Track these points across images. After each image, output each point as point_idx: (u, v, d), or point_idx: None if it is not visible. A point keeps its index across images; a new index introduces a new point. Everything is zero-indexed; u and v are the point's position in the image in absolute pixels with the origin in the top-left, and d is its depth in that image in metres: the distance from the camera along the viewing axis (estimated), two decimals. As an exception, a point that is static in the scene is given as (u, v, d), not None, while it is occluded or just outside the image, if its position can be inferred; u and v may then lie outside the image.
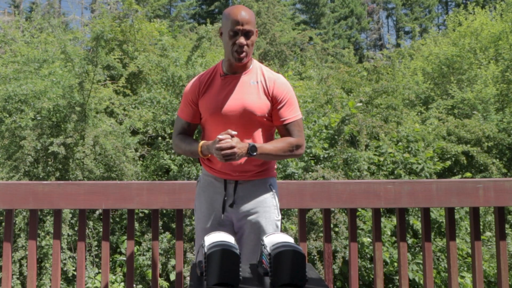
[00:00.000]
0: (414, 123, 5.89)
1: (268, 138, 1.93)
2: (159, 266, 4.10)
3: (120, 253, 4.53)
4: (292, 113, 1.90)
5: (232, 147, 1.70)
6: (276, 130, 1.98)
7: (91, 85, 4.87)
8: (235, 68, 1.89)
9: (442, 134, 5.75)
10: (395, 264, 4.13)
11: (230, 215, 1.90)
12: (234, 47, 1.81)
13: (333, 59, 12.68)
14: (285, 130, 1.90)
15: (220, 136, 1.73)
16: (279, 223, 1.94)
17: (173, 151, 5.09)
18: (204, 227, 1.91)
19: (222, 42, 1.90)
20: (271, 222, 1.90)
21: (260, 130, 1.89)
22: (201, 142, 1.86)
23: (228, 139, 1.72)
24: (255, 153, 1.76)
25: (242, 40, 1.79)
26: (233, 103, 1.85)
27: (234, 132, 1.75)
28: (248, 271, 1.45)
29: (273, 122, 1.92)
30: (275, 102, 1.88)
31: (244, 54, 1.81)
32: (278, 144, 1.86)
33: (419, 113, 6.93)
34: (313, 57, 10.70)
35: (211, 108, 1.86)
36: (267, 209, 1.90)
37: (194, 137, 2.05)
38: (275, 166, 2.04)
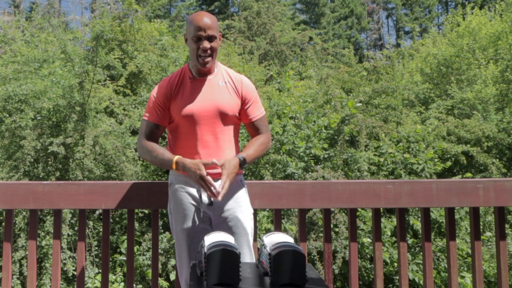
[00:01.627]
0: (414, 123, 5.90)
1: (236, 135, 2.05)
2: (159, 266, 4.10)
3: (120, 253, 4.53)
4: (258, 110, 2.05)
5: (225, 183, 1.78)
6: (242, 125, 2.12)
7: (91, 85, 4.87)
8: (202, 71, 1.98)
9: (442, 134, 5.75)
10: (395, 264, 4.14)
11: (208, 212, 1.95)
12: (198, 51, 1.90)
13: (333, 59, 12.68)
14: (254, 127, 2.04)
15: (202, 168, 1.80)
16: (252, 216, 2.03)
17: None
18: (183, 227, 1.93)
19: (188, 48, 1.98)
20: (247, 215, 1.98)
21: (231, 128, 2.00)
22: (176, 158, 1.88)
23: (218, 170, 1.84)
24: (246, 165, 1.90)
25: (206, 44, 1.88)
26: (206, 104, 1.93)
27: (216, 162, 1.82)
28: (248, 271, 1.45)
29: (242, 120, 2.04)
30: (244, 101, 2.00)
31: (209, 58, 1.91)
32: (256, 147, 1.98)
33: (418, 113, 6.93)
34: (313, 57, 10.70)
35: (184, 111, 1.92)
36: (241, 203, 1.98)
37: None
38: None
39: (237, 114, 1.99)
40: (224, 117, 1.94)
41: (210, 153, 1.93)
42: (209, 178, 1.79)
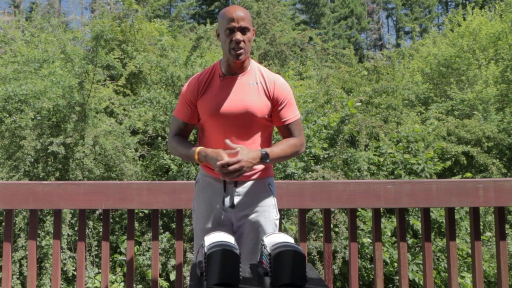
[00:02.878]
0: (414, 123, 5.89)
1: (266, 138, 1.95)
2: (159, 266, 4.10)
3: (120, 253, 4.53)
4: (292, 113, 1.92)
5: (239, 161, 1.68)
6: (276, 130, 1.99)
7: (91, 85, 4.87)
8: (234, 69, 1.88)
9: (442, 134, 5.75)
10: (395, 264, 4.13)
11: (230, 215, 1.90)
12: (231, 44, 1.80)
13: (333, 59, 12.68)
14: (287, 130, 1.92)
15: (224, 155, 1.71)
16: (277, 222, 1.95)
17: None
18: (203, 227, 1.91)
19: (220, 43, 1.90)
20: (270, 221, 1.91)
21: (260, 131, 1.90)
22: (199, 149, 1.84)
23: (233, 156, 1.71)
24: (268, 160, 1.78)
25: (238, 36, 1.78)
26: (234, 104, 1.84)
27: (235, 146, 1.74)
28: (248, 271, 1.45)
29: (274, 123, 1.93)
30: (276, 103, 1.89)
31: (241, 50, 1.80)
32: (284, 146, 1.87)
33: (419, 113, 6.93)
34: (313, 57, 10.70)
35: (211, 109, 1.85)
36: (266, 208, 1.90)
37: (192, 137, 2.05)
38: (272, 166, 2.05)
39: (267, 116, 1.88)
40: (252, 119, 1.85)
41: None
42: (229, 160, 1.69)
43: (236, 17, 1.79)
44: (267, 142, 1.95)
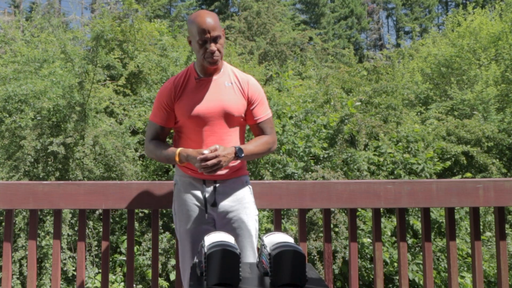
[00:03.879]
0: (414, 123, 5.89)
1: (242, 136, 2.02)
2: (159, 266, 4.10)
3: (120, 253, 4.53)
4: (264, 111, 2.01)
5: (216, 156, 1.75)
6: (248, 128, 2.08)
7: (91, 85, 4.87)
8: (209, 71, 1.95)
9: (442, 134, 5.75)
10: (395, 264, 4.14)
11: (212, 213, 1.94)
12: (206, 54, 1.86)
13: (333, 59, 12.68)
14: (259, 128, 2.00)
15: (204, 151, 1.78)
16: (257, 218, 2.01)
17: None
18: (187, 228, 1.93)
19: (193, 49, 1.95)
20: (251, 217, 1.97)
21: (237, 130, 1.97)
22: (179, 150, 1.88)
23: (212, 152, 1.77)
24: (242, 155, 1.84)
25: (213, 47, 1.85)
26: (211, 105, 1.90)
27: (216, 146, 1.79)
28: (248, 271, 1.45)
29: (247, 121, 2.00)
30: (250, 102, 1.97)
31: (216, 58, 1.87)
32: (257, 143, 1.95)
33: (418, 113, 6.93)
34: (313, 57, 10.70)
35: (189, 110, 1.90)
36: (246, 205, 1.96)
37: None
38: (247, 165, 2.14)
39: (243, 115, 1.96)
40: (229, 118, 1.92)
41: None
42: (207, 154, 1.77)
43: (207, 27, 1.83)
44: (242, 140, 2.02)
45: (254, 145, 1.93)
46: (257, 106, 1.98)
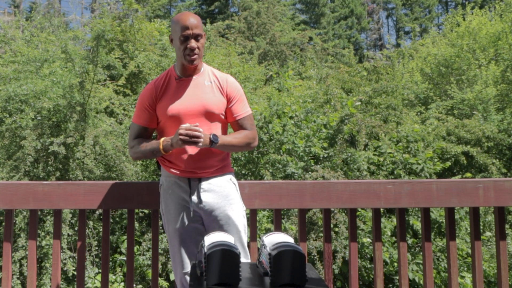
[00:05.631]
0: (414, 123, 5.89)
1: (224, 134, 2.03)
2: (159, 266, 4.10)
3: (120, 253, 4.53)
4: (244, 108, 2.04)
5: (199, 131, 1.80)
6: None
7: (91, 85, 4.87)
8: (189, 71, 1.99)
9: (441, 134, 5.75)
10: (395, 264, 4.14)
11: (199, 211, 1.95)
12: (186, 51, 1.91)
13: (333, 59, 12.68)
14: (239, 125, 2.03)
15: (183, 125, 1.83)
16: (244, 213, 2.03)
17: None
18: (175, 227, 1.94)
19: (174, 48, 1.99)
20: (238, 213, 1.98)
21: (219, 127, 2.00)
22: (162, 139, 1.92)
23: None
24: (217, 141, 1.87)
25: (193, 43, 1.90)
26: (192, 103, 1.94)
27: (197, 125, 1.85)
28: (248, 271, 1.45)
29: (227, 119, 2.04)
30: (228, 99, 2.00)
31: (195, 56, 1.92)
32: (236, 135, 1.99)
33: (418, 113, 6.93)
34: (313, 57, 10.70)
35: (170, 110, 1.94)
36: (232, 201, 1.98)
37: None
38: (231, 163, 2.16)
39: (223, 113, 2.00)
40: (210, 116, 1.96)
41: (198, 152, 1.94)
42: (188, 124, 1.83)
43: (190, 25, 1.89)
44: None
45: (232, 136, 1.97)
46: (236, 104, 2.01)
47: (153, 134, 2.12)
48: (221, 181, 1.99)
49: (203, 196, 1.94)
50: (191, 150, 1.93)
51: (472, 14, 10.70)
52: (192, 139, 1.79)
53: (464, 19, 10.59)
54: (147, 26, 6.66)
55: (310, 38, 16.24)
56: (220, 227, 1.93)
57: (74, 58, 5.05)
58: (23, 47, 6.25)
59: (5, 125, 4.75)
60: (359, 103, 5.74)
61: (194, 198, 1.94)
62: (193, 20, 1.90)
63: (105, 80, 5.47)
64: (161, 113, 1.97)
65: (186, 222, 1.93)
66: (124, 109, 5.47)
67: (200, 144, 1.81)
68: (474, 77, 7.85)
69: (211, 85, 1.99)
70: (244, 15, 15.58)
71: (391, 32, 36.10)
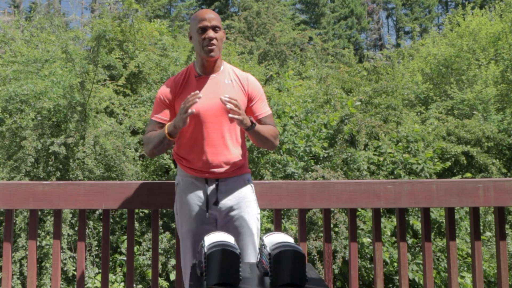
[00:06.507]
0: (414, 123, 5.89)
1: (243, 134, 2.01)
2: (159, 266, 4.10)
3: (120, 253, 4.53)
4: (265, 107, 2.02)
5: (233, 101, 1.76)
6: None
7: (91, 85, 4.87)
8: (208, 69, 1.96)
9: (442, 134, 5.75)
10: (395, 264, 4.14)
11: (214, 212, 1.93)
12: (204, 42, 1.88)
13: (333, 59, 12.68)
14: (261, 124, 1.98)
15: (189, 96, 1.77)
16: (259, 216, 2.01)
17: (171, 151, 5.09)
18: (189, 228, 1.93)
19: (194, 45, 1.97)
20: (253, 216, 1.96)
21: (237, 127, 1.96)
22: (167, 124, 1.88)
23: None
24: (255, 124, 1.85)
25: (211, 34, 1.88)
26: (211, 102, 1.90)
27: (227, 97, 1.79)
28: (248, 271, 1.45)
29: None
30: (250, 98, 1.98)
31: (214, 47, 1.88)
32: (266, 127, 1.95)
33: (418, 113, 6.93)
34: (313, 57, 10.70)
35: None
36: (248, 203, 1.95)
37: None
38: (248, 163, 2.13)
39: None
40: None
41: (217, 152, 1.90)
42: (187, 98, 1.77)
43: (207, 17, 1.89)
44: (243, 138, 2.02)
45: (264, 127, 1.93)
46: (257, 103, 1.99)
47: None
48: (238, 182, 1.96)
49: (220, 197, 1.92)
50: (208, 151, 1.90)
51: (472, 14, 10.70)
52: (233, 109, 1.74)
53: (464, 19, 10.59)
54: (147, 26, 6.67)
55: (310, 38, 16.25)
56: (234, 229, 1.92)
57: (74, 58, 5.05)
58: (23, 47, 6.25)
59: (6, 125, 4.75)
60: (359, 103, 5.74)
61: (211, 199, 1.92)
62: (210, 14, 1.91)
63: (105, 80, 5.47)
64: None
65: (200, 224, 1.92)
66: (124, 109, 5.47)
67: (241, 118, 1.76)
68: (474, 77, 7.84)
69: (232, 84, 1.96)
70: (244, 15, 15.58)
71: (391, 32, 36.12)
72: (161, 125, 1.97)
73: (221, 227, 1.95)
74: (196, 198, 1.93)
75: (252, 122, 1.83)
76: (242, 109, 1.78)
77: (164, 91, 1.97)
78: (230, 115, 1.74)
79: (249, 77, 2.02)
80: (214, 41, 1.88)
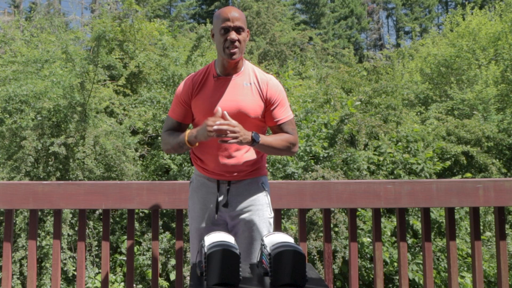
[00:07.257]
0: (414, 123, 5.89)
1: None
2: (159, 266, 4.10)
3: (120, 253, 4.53)
4: (285, 113, 1.93)
5: (235, 126, 1.69)
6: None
7: (91, 85, 4.87)
8: (228, 69, 1.89)
9: (441, 134, 5.75)
10: (395, 264, 4.14)
11: (224, 214, 1.91)
12: (226, 43, 1.81)
13: (333, 59, 12.68)
14: (280, 130, 1.93)
15: (211, 118, 1.72)
16: (271, 221, 1.96)
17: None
18: (198, 227, 1.93)
19: (215, 43, 1.90)
20: (264, 220, 1.92)
21: (253, 131, 1.88)
22: (188, 130, 1.84)
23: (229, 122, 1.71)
24: (258, 140, 1.77)
25: (233, 35, 1.80)
26: (227, 105, 1.85)
27: (225, 113, 1.74)
28: (248, 271, 1.45)
29: (267, 123, 1.94)
30: (268, 103, 1.90)
31: (236, 49, 1.81)
32: (276, 137, 1.88)
33: (418, 113, 6.93)
34: (313, 57, 10.70)
35: (205, 109, 1.87)
36: (259, 207, 1.91)
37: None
38: (266, 165, 2.06)
39: (260, 117, 1.89)
40: (245, 119, 1.84)
41: (230, 155, 1.87)
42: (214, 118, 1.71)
43: (231, 17, 1.81)
44: None
45: (273, 137, 1.85)
46: (277, 108, 1.90)
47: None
48: (251, 185, 1.93)
49: (231, 199, 1.90)
50: (221, 154, 1.87)
51: (472, 14, 10.70)
52: (226, 133, 1.68)
53: (464, 19, 10.59)
54: (147, 26, 6.66)
55: (310, 38, 16.26)
56: (244, 232, 1.89)
57: (74, 58, 5.05)
58: (23, 47, 6.25)
59: (6, 125, 4.75)
60: (359, 103, 5.74)
61: (221, 201, 1.90)
62: (235, 13, 1.82)
63: (105, 80, 5.47)
64: (196, 110, 1.90)
65: (209, 224, 1.91)
66: (124, 109, 5.46)
67: (240, 139, 1.70)
68: (474, 77, 7.85)
69: (250, 87, 1.89)
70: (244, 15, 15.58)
71: (391, 32, 36.12)
72: (178, 124, 1.95)
73: (231, 229, 1.93)
74: (207, 198, 1.93)
75: (253, 139, 1.76)
76: (238, 126, 1.71)
77: (182, 89, 1.94)
78: (228, 141, 1.70)
79: (270, 81, 1.93)
80: (237, 43, 1.81)
